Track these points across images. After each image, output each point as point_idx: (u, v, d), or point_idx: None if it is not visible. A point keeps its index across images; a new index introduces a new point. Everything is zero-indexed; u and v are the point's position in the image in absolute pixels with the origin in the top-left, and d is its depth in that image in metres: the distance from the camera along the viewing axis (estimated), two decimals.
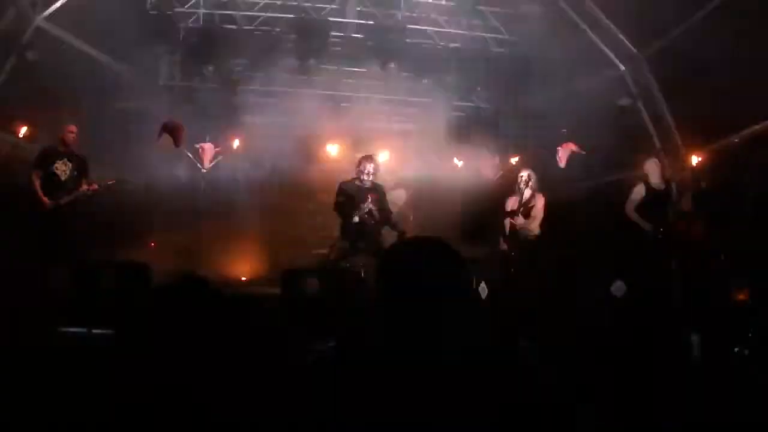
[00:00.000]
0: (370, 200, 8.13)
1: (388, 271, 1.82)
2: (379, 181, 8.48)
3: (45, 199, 7.95)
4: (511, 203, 8.61)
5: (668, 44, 10.36)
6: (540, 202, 8.55)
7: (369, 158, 8.40)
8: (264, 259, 10.74)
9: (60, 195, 8.04)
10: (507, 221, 8.64)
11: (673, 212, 8.68)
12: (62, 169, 8.18)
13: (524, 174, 8.63)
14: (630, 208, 8.62)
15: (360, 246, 8.20)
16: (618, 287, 3.76)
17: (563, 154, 10.18)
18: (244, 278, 10.58)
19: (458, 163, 11.68)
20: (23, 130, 9.26)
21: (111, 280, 6.78)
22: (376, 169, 8.36)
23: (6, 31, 9.86)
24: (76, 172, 8.26)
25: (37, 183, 8.01)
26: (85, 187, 8.24)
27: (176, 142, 9.87)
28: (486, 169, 11.18)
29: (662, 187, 8.73)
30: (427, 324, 1.72)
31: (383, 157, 10.82)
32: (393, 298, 1.77)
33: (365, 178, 8.19)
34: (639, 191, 8.72)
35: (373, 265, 9.14)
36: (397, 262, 1.83)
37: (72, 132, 8.33)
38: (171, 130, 9.84)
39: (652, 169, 8.81)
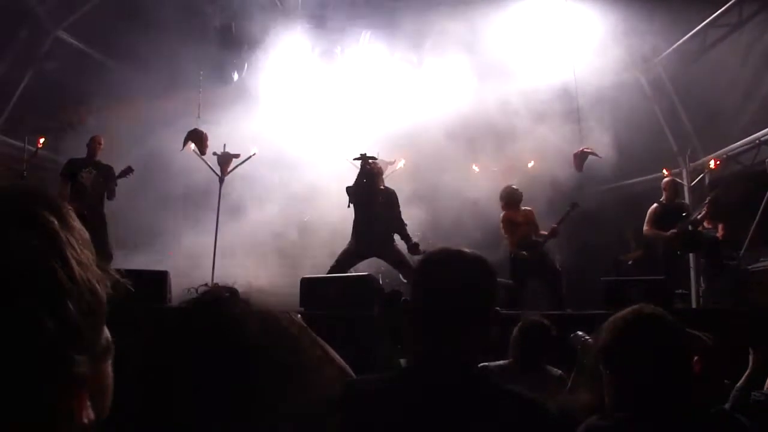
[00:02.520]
0: (379, 200, 8.12)
1: (416, 284, 1.82)
2: (390, 186, 8.49)
3: (73, 205, 8.06)
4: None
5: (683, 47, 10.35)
6: None
7: (372, 160, 8.41)
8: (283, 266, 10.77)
9: (84, 202, 8.28)
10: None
11: (691, 222, 8.76)
12: (87, 177, 8.56)
13: None
14: (646, 228, 8.88)
15: (366, 248, 8.19)
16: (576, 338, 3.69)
17: (579, 158, 10.11)
18: (254, 284, 10.56)
19: (476, 168, 11.67)
20: (42, 141, 9.35)
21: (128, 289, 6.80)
22: (379, 171, 8.35)
23: (23, 43, 9.98)
24: (101, 179, 8.61)
25: (64, 191, 8.34)
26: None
27: (201, 150, 10.04)
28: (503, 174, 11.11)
29: (677, 203, 8.96)
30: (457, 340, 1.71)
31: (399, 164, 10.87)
32: (426, 313, 1.75)
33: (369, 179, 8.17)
34: (654, 210, 9.06)
35: (378, 270, 9.19)
36: (430, 274, 1.81)
37: (98, 142, 8.79)
38: (196, 138, 10.00)
39: (666, 186, 9.20)
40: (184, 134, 10.05)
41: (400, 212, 8.27)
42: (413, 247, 7.90)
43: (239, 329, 0.96)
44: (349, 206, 8.28)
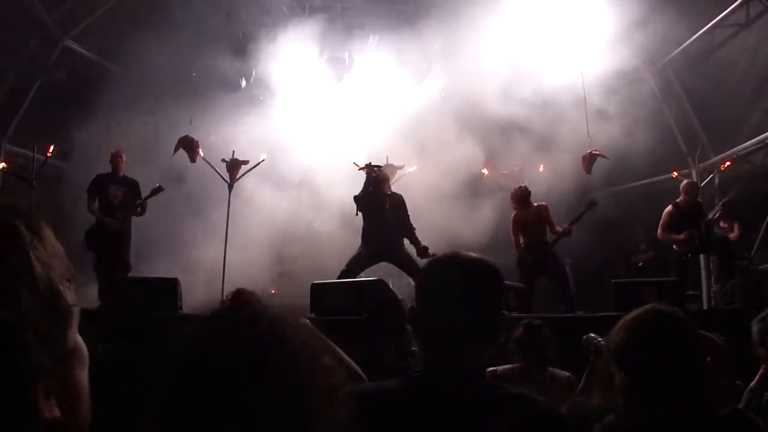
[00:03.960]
0: (387, 206, 8.14)
1: (421, 290, 1.80)
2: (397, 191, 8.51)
3: (107, 219, 8.66)
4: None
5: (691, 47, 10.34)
6: None
7: (377, 167, 8.43)
8: (291, 272, 10.80)
9: (115, 218, 8.69)
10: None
11: (706, 223, 8.70)
12: (114, 194, 8.84)
13: None
14: (660, 232, 8.81)
15: (376, 253, 8.21)
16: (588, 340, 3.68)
17: (587, 161, 10.10)
18: (273, 291, 10.63)
19: (484, 172, 11.69)
20: (51, 149, 9.42)
21: (140, 296, 6.88)
22: (385, 177, 8.37)
23: (33, 52, 10.06)
24: (129, 196, 8.88)
25: (93, 207, 8.71)
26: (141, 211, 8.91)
27: (192, 157, 10.09)
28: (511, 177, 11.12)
29: (694, 204, 8.85)
30: (459, 348, 1.71)
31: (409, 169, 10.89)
32: (430, 318, 1.74)
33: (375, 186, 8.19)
34: (669, 213, 8.92)
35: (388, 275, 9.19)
36: (434, 280, 1.80)
37: (120, 157, 9.02)
38: (186, 145, 10.05)
39: (686, 188, 9.01)
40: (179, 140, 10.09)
41: (408, 217, 8.25)
42: (422, 251, 7.90)
43: (277, 332, 0.98)
44: (357, 214, 8.30)
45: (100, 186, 8.84)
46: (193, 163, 10.15)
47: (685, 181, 9.25)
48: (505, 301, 1.82)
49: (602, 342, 3.27)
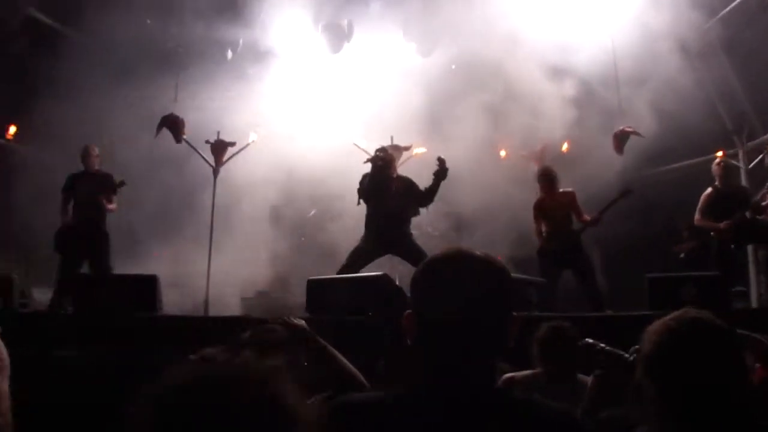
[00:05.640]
0: (393, 190, 8.15)
1: (420, 293, 1.80)
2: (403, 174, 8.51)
3: (63, 218, 8.83)
4: None
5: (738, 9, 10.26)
6: None
7: (381, 150, 8.43)
8: (285, 267, 10.81)
9: (82, 217, 8.80)
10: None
11: (752, 208, 8.60)
12: (82, 189, 8.91)
13: None
14: (698, 217, 8.73)
15: (381, 245, 8.23)
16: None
17: (619, 139, 10.06)
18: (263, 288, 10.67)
19: (503, 154, 11.66)
20: (12, 130, 9.44)
21: (114, 296, 6.91)
22: (390, 160, 8.37)
23: None
24: (95, 190, 8.86)
25: (65, 207, 8.89)
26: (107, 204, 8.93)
27: (176, 138, 10.10)
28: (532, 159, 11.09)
29: (736, 188, 8.79)
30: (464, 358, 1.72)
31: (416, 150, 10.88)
32: (428, 325, 1.74)
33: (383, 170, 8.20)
34: (708, 196, 8.81)
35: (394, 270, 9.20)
36: (432, 282, 1.79)
37: (89, 153, 9.06)
38: (170, 124, 10.06)
39: (718, 171, 8.86)
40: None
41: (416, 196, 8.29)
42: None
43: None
44: (359, 203, 8.31)
45: (69, 188, 8.97)
46: (178, 144, 10.15)
47: (714, 164, 9.02)
48: (523, 300, 1.83)
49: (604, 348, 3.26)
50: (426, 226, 10.53)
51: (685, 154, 11.39)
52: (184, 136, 10.08)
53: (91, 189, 8.85)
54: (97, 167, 9.07)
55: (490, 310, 1.72)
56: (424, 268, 1.82)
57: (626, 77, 10.62)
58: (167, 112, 10.18)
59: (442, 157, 8.01)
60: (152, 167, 10.21)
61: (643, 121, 10.22)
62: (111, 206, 8.93)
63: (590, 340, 3.48)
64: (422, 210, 8.44)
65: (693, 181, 10.37)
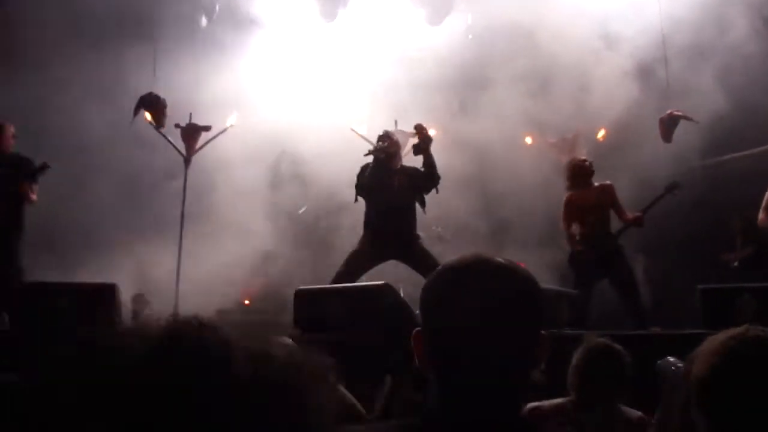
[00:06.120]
0: (397, 184, 8.16)
1: (431, 307, 1.77)
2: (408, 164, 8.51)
3: None
4: None
5: None
6: None
7: (385, 136, 8.41)
8: (268, 275, 10.81)
9: None
10: None
11: None
12: None
13: None
14: (762, 216, 8.60)
15: (382, 249, 8.21)
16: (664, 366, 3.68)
17: (667, 125, 10.03)
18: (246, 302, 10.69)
19: (528, 141, 11.66)
20: None
21: (64, 308, 6.87)
22: (395, 148, 8.36)
23: None
24: (10, 175, 8.66)
25: None
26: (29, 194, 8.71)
27: (157, 121, 10.10)
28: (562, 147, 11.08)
29: None
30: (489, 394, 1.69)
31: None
32: (440, 345, 1.72)
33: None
34: None
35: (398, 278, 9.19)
36: (447, 294, 1.75)
37: (7, 134, 8.87)
38: (150, 105, 10.06)
39: None
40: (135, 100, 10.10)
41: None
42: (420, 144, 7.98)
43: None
44: (356, 200, 8.33)
45: None
46: (160, 128, 10.15)
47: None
48: (553, 317, 1.81)
49: (681, 368, 3.25)
50: (435, 227, 10.55)
51: (747, 141, 11.29)
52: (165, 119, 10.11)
53: (4, 175, 8.68)
54: (11, 150, 8.89)
55: (515, 328, 1.69)
56: (436, 278, 1.79)
57: (676, 49, 10.57)
58: (144, 92, 10.17)
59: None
60: (113, 151, 10.16)
61: (695, 103, 10.16)
62: (33, 196, 8.73)
63: (672, 359, 3.48)
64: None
65: (755, 176, 10.32)
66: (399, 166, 8.31)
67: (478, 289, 1.70)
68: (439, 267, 1.82)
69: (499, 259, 1.77)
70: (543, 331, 1.73)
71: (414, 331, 1.76)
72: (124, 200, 10.51)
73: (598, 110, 11.02)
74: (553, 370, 4.22)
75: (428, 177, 8.12)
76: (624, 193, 8.82)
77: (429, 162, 8.06)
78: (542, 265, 9.11)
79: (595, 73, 10.87)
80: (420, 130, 8.02)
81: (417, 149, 8.02)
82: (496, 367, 1.68)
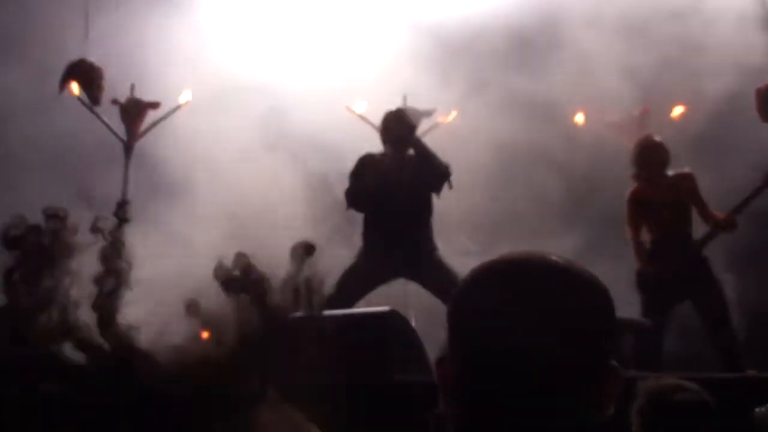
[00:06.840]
0: (406, 180, 8.15)
1: (464, 326, 1.65)
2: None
3: None
4: None
5: None
6: None
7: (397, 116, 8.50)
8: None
9: None
10: None
11: None
12: None
13: None
14: None
15: (387, 265, 8.24)
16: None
17: (764, 98, 9.95)
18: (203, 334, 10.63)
19: (580, 119, 11.60)
20: None
21: None
22: (409, 131, 8.38)
23: None
24: None
25: None
26: None
27: (92, 97, 10.18)
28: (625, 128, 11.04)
29: None
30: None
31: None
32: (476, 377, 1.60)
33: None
34: None
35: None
36: (485, 307, 1.62)
37: None
38: (83, 76, 10.10)
39: None
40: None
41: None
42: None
43: None
44: (348, 208, 8.47)
45: None
46: (95, 105, 10.27)
47: None
48: (616, 348, 1.70)
49: None
50: (458, 236, 10.51)
51: None
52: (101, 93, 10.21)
53: None
54: None
55: (579, 355, 1.57)
56: (470, 286, 1.68)
57: None
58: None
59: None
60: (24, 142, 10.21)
61: None
62: None
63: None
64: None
65: None
66: (408, 158, 8.31)
67: (529, 298, 1.59)
68: (477, 268, 1.70)
69: (558, 259, 1.65)
70: (614, 362, 1.63)
71: (437, 357, 1.68)
72: (51, 197, 10.50)
73: (671, 82, 11.05)
74: (615, 419, 4.19)
75: (434, 170, 8.13)
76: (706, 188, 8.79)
77: (423, 153, 8.14)
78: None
79: (663, 32, 10.98)
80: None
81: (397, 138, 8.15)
82: (551, 408, 1.58)
